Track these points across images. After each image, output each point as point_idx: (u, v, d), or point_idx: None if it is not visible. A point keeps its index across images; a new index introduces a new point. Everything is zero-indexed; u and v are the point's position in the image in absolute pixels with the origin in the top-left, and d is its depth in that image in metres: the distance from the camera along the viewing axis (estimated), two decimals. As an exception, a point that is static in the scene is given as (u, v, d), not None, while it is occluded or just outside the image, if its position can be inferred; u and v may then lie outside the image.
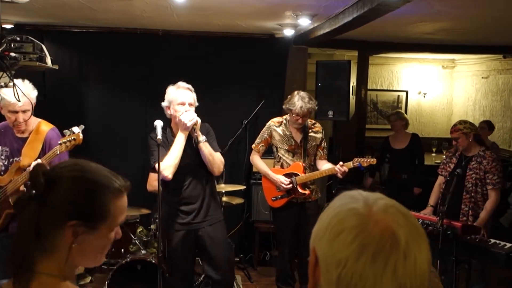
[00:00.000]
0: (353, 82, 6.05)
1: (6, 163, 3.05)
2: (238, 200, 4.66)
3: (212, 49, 5.40)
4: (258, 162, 4.07)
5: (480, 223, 3.80)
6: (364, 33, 4.80)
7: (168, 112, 3.24)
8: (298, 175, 3.91)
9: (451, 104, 8.27)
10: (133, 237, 4.32)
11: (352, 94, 6.21)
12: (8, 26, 4.74)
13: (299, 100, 3.78)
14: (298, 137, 3.97)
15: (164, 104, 3.24)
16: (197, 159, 3.21)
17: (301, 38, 5.14)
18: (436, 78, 8.15)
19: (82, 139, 2.91)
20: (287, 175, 3.93)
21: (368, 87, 6.64)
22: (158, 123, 3.10)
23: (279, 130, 3.98)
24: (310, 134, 3.99)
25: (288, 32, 4.73)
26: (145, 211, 4.43)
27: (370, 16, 3.33)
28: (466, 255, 3.67)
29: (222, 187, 4.44)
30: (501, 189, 4.02)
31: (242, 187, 4.79)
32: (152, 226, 4.45)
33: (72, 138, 2.90)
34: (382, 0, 2.80)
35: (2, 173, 3.08)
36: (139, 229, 4.73)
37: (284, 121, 4.00)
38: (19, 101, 2.62)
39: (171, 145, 3.17)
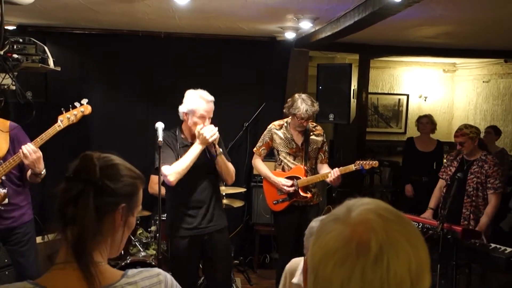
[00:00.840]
0: (354, 85, 6.07)
1: None
2: (238, 203, 4.66)
3: (213, 51, 5.41)
4: (259, 165, 4.06)
5: (481, 227, 3.80)
6: (365, 37, 4.81)
7: (185, 118, 3.19)
8: (299, 178, 3.90)
9: (452, 108, 8.27)
10: (133, 238, 4.33)
11: (353, 98, 6.24)
12: (11, 28, 4.75)
13: (303, 104, 3.75)
14: (299, 140, 3.95)
15: (182, 109, 3.18)
16: (207, 165, 3.20)
17: (303, 41, 5.15)
18: (437, 82, 8.15)
19: (91, 110, 2.95)
20: (289, 179, 3.91)
21: (369, 91, 6.64)
22: (159, 125, 3.08)
23: (280, 133, 3.97)
24: (311, 137, 3.97)
25: (290, 35, 4.73)
26: (145, 213, 4.43)
27: (372, 20, 3.34)
28: (467, 259, 3.67)
29: (223, 190, 4.44)
30: (502, 194, 4.02)
31: (243, 190, 4.79)
32: (152, 228, 4.45)
33: (81, 110, 2.93)
34: (383, 3, 2.81)
35: None
36: (139, 231, 4.73)
37: (285, 124, 3.99)
38: (20, 101, 2.64)
39: (180, 148, 3.16)
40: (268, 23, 4.46)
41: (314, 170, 4.00)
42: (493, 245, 3.50)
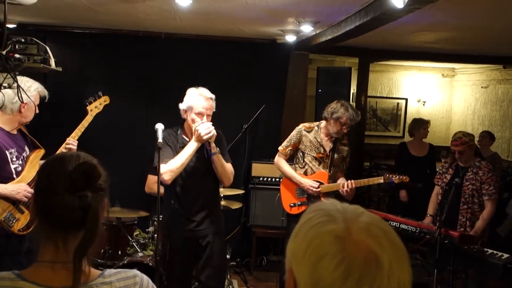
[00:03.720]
0: (353, 88, 6.09)
1: (20, 162, 2.96)
2: (236, 205, 4.66)
3: (213, 53, 5.41)
4: (284, 165, 3.95)
5: (476, 231, 3.82)
6: (365, 41, 4.82)
7: (185, 116, 3.18)
8: (322, 183, 3.83)
9: (450, 113, 8.29)
10: (130, 239, 4.32)
11: (352, 101, 6.26)
12: (11, 26, 4.75)
13: (350, 110, 3.72)
14: (327, 146, 3.88)
15: (181, 106, 3.17)
16: (206, 167, 3.17)
17: (303, 44, 5.16)
18: (435, 87, 8.18)
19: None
20: None
21: (368, 94, 6.66)
22: (159, 126, 3.05)
23: (310, 136, 3.88)
24: (339, 145, 3.92)
25: (290, 38, 4.74)
26: (143, 214, 4.42)
27: (373, 25, 3.36)
28: (463, 264, 3.67)
29: (221, 191, 4.43)
30: (498, 200, 4.03)
31: (241, 192, 4.79)
32: (150, 229, 4.44)
33: (103, 100, 3.27)
34: (385, 9, 2.82)
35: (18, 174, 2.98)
36: (136, 232, 4.72)
37: (316, 128, 3.91)
38: (21, 101, 2.63)
39: (179, 147, 3.13)
40: (268, 26, 4.47)
41: (334, 178, 3.94)
42: (489, 251, 3.51)
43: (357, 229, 0.78)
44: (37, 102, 3.05)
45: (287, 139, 3.98)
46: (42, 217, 1.21)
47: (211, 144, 3.10)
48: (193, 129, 3.06)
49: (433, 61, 6.74)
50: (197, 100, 3.12)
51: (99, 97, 3.29)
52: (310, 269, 0.76)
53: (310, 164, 3.89)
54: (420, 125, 5.62)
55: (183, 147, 3.13)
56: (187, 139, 3.18)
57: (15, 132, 2.99)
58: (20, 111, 2.90)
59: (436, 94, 8.19)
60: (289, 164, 4.01)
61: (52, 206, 1.19)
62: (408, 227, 3.79)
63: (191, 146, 3.06)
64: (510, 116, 6.85)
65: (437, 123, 8.26)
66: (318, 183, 3.82)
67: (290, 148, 3.93)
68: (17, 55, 2.06)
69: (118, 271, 1.28)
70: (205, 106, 3.12)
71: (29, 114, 2.98)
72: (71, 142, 3.15)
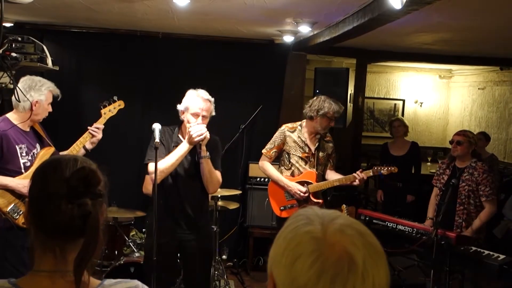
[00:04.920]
0: (350, 89, 6.09)
1: (30, 158, 3.07)
2: (233, 205, 4.66)
3: (211, 53, 5.40)
4: (269, 168, 3.90)
5: (472, 229, 3.81)
6: (363, 41, 4.83)
7: (182, 116, 3.16)
8: (311, 183, 3.81)
9: (447, 114, 8.31)
10: (127, 239, 4.31)
11: (350, 102, 6.25)
12: (8, 25, 4.73)
13: (332, 104, 3.73)
14: (312, 144, 3.86)
15: (179, 107, 3.16)
16: (197, 170, 3.14)
17: (301, 45, 5.17)
18: (432, 88, 8.20)
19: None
20: (299, 183, 3.81)
21: (366, 95, 6.67)
22: (156, 126, 3.01)
23: (294, 135, 3.86)
24: (323, 142, 3.91)
25: (288, 39, 4.74)
26: (140, 214, 4.41)
27: (370, 26, 3.36)
28: (460, 265, 3.68)
29: (218, 192, 4.43)
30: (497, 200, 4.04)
31: (238, 192, 4.78)
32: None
33: (118, 104, 3.40)
34: (383, 10, 2.82)
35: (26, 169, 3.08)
36: (133, 232, 4.72)
37: (299, 127, 3.88)
38: (18, 100, 2.64)
39: (173, 146, 3.11)
40: (266, 26, 4.47)
41: (322, 177, 3.92)
42: (486, 252, 3.51)
43: (332, 230, 0.79)
44: (50, 100, 3.16)
45: (271, 141, 3.93)
46: (37, 225, 1.13)
47: (202, 147, 3.06)
48: (187, 130, 3.05)
49: (430, 62, 6.76)
50: (194, 101, 3.11)
51: (114, 101, 3.38)
52: (287, 269, 0.78)
53: (297, 165, 3.86)
54: (390, 124, 5.74)
55: (176, 146, 3.12)
56: (182, 139, 3.16)
57: (27, 129, 3.11)
58: (31, 109, 2.99)
59: (433, 96, 8.21)
60: (274, 165, 3.97)
61: (48, 214, 1.12)
62: (404, 228, 3.79)
63: (183, 147, 3.04)
64: (507, 117, 6.87)
65: (434, 125, 8.28)
66: (306, 188, 3.79)
67: (274, 150, 3.89)
68: (13, 54, 2.05)
69: (118, 281, 1.23)
70: (201, 107, 3.09)
71: (40, 112, 3.09)
72: (97, 129, 3.31)
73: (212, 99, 3.20)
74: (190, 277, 3.27)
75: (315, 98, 3.87)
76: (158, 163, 3.00)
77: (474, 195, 3.90)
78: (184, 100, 3.17)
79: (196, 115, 3.07)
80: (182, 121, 3.22)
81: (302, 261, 0.76)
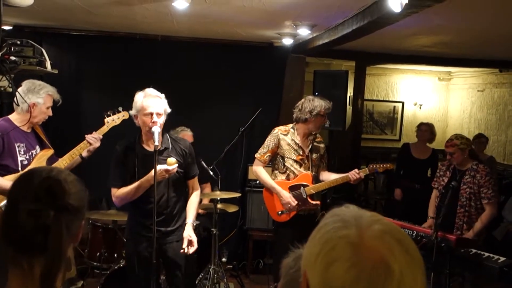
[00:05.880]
0: (350, 92, 6.09)
1: (27, 157, 3.13)
2: (233, 208, 4.65)
3: (210, 56, 5.41)
4: (263, 174, 3.87)
5: (473, 231, 3.81)
6: (362, 44, 4.83)
7: (137, 121, 3.07)
8: (307, 185, 3.80)
9: (446, 116, 8.31)
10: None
11: (349, 104, 6.26)
12: (7, 28, 4.73)
13: (320, 101, 3.76)
14: (306, 147, 3.86)
15: (132, 112, 3.08)
16: (172, 178, 3.04)
17: (300, 47, 5.17)
18: (432, 90, 8.20)
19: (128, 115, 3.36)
20: (295, 187, 3.81)
21: (365, 97, 6.67)
22: (156, 129, 2.96)
23: (288, 138, 3.84)
24: (314, 144, 3.92)
25: (287, 41, 4.74)
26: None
27: (370, 29, 3.36)
28: (460, 268, 3.67)
29: (218, 194, 4.43)
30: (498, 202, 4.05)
31: (237, 195, 4.77)
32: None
33: (122, 115, 3.44)
34: (382, 13, 2.82)
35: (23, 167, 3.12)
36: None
37: (292, 130, 3.88)
38: (17, 103, 2.65)
39: (139, 157, 3.03)
40: (266, 29, 4.47)
41: (317, 178, 3.91)
42: (486, 254, 3.51)
43: (370, 236, 0.77)
44: (48, 104, 3.21)
45: (264, 145, 3.91)
46: (4, 238, 1.08)
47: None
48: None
49: (429, 64, 6.76)
50: (143, 101, 3.02)
51: (119, 111, 3.44)
52: (322, 272, 0.77)
53: (292, 168, 3.85)
54: (418, 126, 5.70)
55: (142, 156, 3.04)
56: (146, 148, 3.08)
57: (28, 130, 3.18)
58: (29, 111, 3.04)
59: (433, 98, 8.21)
60: (267, 168, 3.97)
61: (12, 226, 1.07)
62: (404, 231, 3.78)
63: (147, 183, 2.94)
64: (506, 119, 6.87)
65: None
66: (297, 201, 3.77)
67: (268, 154, 3.87)
68: (12, 58, 2.05)
69: None
70: (152, 105, 3.00)
71: (38, 115, 3.14)
72: (96, 136, 3.35)
73: (162, 95, 3.10)
74: (173, 280, 3.20)
75: (302, 100, 3.87)
76: (121, 192, 2.98)
77: (475, 197, 3.90)
78: (134, 103, 3.07)
79: (149, 114, 2.98)
80: (140, 130, 3.11)
81: (337, 266, 0.75)
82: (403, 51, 5.61)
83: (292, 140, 3.84)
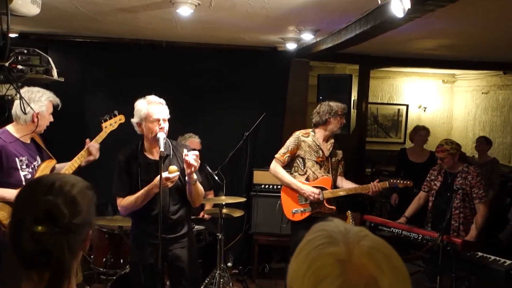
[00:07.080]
0: (354, 95, 6.09)
1: (30, 170, 3.03)
2: (238, 213, 4.65)
3: (214, 61, 5.43)
4: (281, 171, 3.92)
5: (471, 237, 3.82)
6: (365, 48, 4.84)
7: (140, 129, 3.05)
8: (326, 189, 3.83)
9: (451, 119, 8.30)
10: (132, 247, 4.32)
11: (353, 108, 6.26)
12: (13, 35, 4.77)
13: (335, 103, 3.90)
14: (326, 149, 3.92)
15: (134, 120, 3.06)
16: (176, 185, 3.02)
17: (303, 52, 5.18)
18: (436, 93, 8.19)
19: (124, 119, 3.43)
20: (314, 188, 3.83)
21: (369, 101, 6.67)
22: (161, 135, 2.96)
23: (309, 140, 3.90)
24: (333, 149, 3.97)
25: (291, 46, 4.76)
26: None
27: (373, 33, 3.37)
28: (466, 271, 3.67)
29: (223, 199, 4.44)
30: (500, 205, 4.05)
31: (243, 200, 4.78)
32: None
33: (119, 119, 3.45)
34: (385, 17, 2.83)
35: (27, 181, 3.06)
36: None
37: (312, 133, 3.94)
38: (24, 112, 2.66)
39: (142, 167, 3.02)
40: (269, 34, 4.49)
41: (334, 183, 3.96)
42: (492, 257, 3.51)
43: (359, 253, 0.77)
44: (50, 110, 3.13)
45: (284, 146, 3.97)
46: (12, 254, 1.11)
47: (191, 177, 2.94)
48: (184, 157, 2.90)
49: (433, 67, 6.76)
50: (149, 108, 3.02)
51: (115, 115, 3.45)
52: None
53: (312, 169, 3.88)
54: (416, 131, 5.68)
55: (145, 165, 3.04)
56: (148, 156, 3.07)
57: (28, 141, 3.08)
58: (33, 121, 2.99)
59: (437, 100, 8.20)
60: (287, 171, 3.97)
61: (16, 246, 1.09)
62: (410, 234, 3.79)
63: (151, 192, 2.93)
64: (511, 121, 6.85)
65: (438, 129, 8.25)
66: (319, 190, 3.82)
67: (288, 154, 3.92)
68: (19, 66, 2.07)
69: None
70: (159, 111, 3.01)
71: (42, 123, 3.07)
72: (96, 146, 3.35)
73: (164, 101, 3.12)
74: (178, 287, 3.19)
75: (318, 106, 3.97)
76: (127, 202, 2.97)
77: (468, 198, 3.96)
78: (137, 111, 3.05)
79: (156, 120, 2.98)
80: (142, 138, 3.10)
81: (327, 285, 0.74)
82: (406, 54, 5.62)
83: (313, 141, 3.91)
